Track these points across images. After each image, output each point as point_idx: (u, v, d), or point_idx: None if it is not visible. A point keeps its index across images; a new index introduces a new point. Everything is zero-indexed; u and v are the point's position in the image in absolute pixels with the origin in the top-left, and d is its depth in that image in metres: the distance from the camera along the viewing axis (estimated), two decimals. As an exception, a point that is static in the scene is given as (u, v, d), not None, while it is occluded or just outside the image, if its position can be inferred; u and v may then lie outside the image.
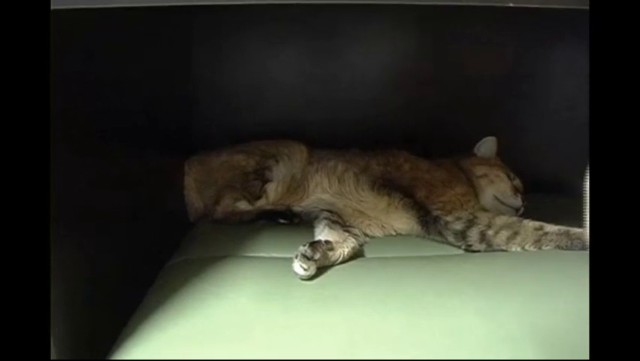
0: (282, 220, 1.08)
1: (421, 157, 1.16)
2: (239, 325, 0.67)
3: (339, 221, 1.01)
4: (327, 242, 0.85)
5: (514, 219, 0.96)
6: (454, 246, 0.97)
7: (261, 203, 1.12)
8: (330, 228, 0.96)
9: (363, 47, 1.31)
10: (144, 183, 0.91)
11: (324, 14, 1.25)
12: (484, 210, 1.04)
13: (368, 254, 0.94)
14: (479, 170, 1.16)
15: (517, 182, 1.16)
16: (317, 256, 0.79)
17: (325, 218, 1.01)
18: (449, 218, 0.98)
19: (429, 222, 1.02)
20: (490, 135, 1.22)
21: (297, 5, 1.09)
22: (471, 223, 0.96)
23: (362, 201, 1.08)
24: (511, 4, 0.56)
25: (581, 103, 1.26)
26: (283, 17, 1.26)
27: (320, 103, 1.33)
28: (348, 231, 0.97)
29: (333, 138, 1.27)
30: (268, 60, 1.31)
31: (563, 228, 0.90)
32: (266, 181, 1.13)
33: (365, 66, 1.32)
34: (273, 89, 1.32)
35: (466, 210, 1.00)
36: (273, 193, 1.13)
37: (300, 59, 1.32)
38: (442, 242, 1.00)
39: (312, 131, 1.30)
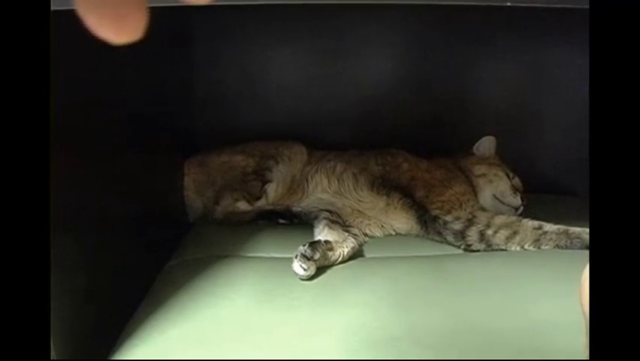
0: (281, 220, 1.08)
1: (420, 157, 1.16)
2: (239, 325, 0.67)
3: (338, 221, 1.01)
4: (326, 242, 0.85)
5: (514, 218, 0.96)
6: (454, 245, 0.97)
7: (261, 203, 1.11)
8: (330, 228, 0.96)
9: (364, 48, 1.31)
10: (144, 183, 0.91)
11: (325, 14, 1.25)
12: (484, 209, 1.04)
13: (367, 254, 0.94)
14: (478, 169, 1.16)
15: (516, 181, 1.16)
16: (317, 256, 0.79)
17: (325, 218, 1.01)
18: (448, 218, 0.98)
19: (428, 222, 1.02)
20: (489, 135, 1.22)
21: (298, 5, 1.09)
22: (470, 223, 0.96)
23: (361, 201, 1.08)
24: (509, 4, 0.56)
25: (581, 102, 1.26)
26: (284, 18, 1.25)
27: (320, 104, 1.33)
28: (347, 231, 0.97)
29: (334, 139, 1.27)
30: (269, 60, 1.31)
31: (562, 227, 0.90)
32: (266, 182, 1.13)
33: (366, 66, 1.32)
34: (273, 90, 1.32)
35: (465, 209, 1.00)
36: (272, 193, 1.13)
37: (300, 59, 1.32)
38: (442, 242, 1.00)
39: (312, 131, 1.30)
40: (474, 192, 1.11)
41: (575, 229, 0.89)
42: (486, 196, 1.12)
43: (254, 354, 0.61)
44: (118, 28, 0.19)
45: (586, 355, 0.31)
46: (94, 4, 0.19)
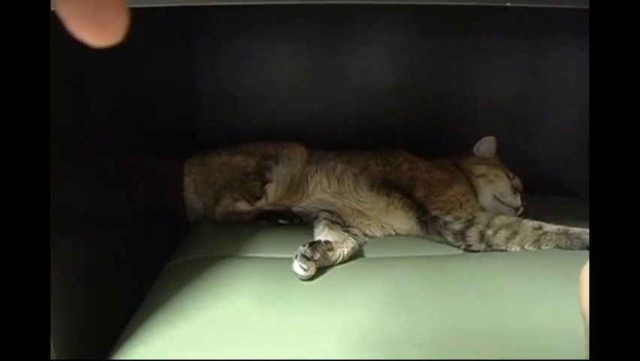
0: (281, 221, 1.08)
1: (421, 157, 1.16)
2: (239, 325, 0.67)
3: (338, 221, 1.01)
4: (326, 242, 0.85)
5: (514, 218, 0.96)
6: (454, 246, 0.97)
7: (261, 203, 1.12)
8: (330, 228, 0.96)
9: (364, 48, 1.31)
10: (144, 183, 0.91)
11: (325, 14, 1.25)
12: (484, 209, 1.04)
13: (367, 254, 0.94)
14: (478, 170, 1.16)
15: (516, 181, 1.16)
16: (317, 256, 0.79)
17: (325, 218, 1.01)
18: (448, 218, 0.98)
19: (428, 222, 1.02)
20: (489, 135, 1.22)
21: (298, 6, 1.09)
22: (470, 223, 0.96)
23: (361, 201, 1.08)
24: (509, 4, 0.56)
25: (581, 103, 1.26)
26: (284, 18, 1.26)
27: (320, 103, 1.33)
28: (347, 231, 0.97)
29: (334, 139, 1.27)
30: (268, 61, 1.31)
31: (562, 227, 0.90)
32: (266, 182, 1.13)
33: (366, 66, 1.32)
34: (273, 90, 1.32)
35: (465, 210, 1.00)
36: (272, 194, 1.13)
37: (300, 60, 1.32)
38: (442, 242, 1.00)
39: (312, 131, 1.30)
40: (474, 192, 1.11)
41: (575, 230, 0.89)
42: (486, 196, 1.12)
43: (254, 354, 0.61)
44: (98, 31, 0.19)
45: (586, 355, 0.31)
46: (74, 9, 0.19)
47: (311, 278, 0.78)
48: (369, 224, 1.04)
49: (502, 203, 1.11)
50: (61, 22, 0.19)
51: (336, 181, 1.11)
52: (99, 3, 0.19)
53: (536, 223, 0.93)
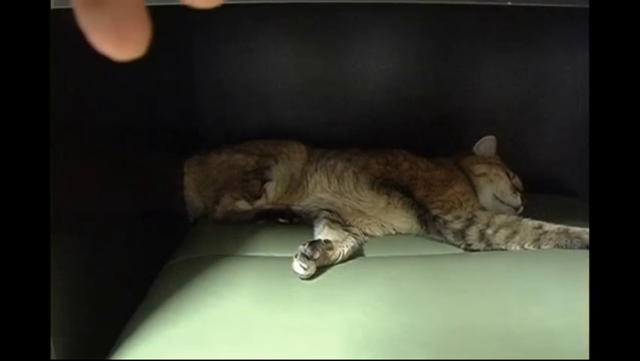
0: (281, 220, 1.08)
1: (421, 156, 1.16)
2: (239, 324, 0.67)
3: (338, 220, 1.01)
4: (326, 241, 0.85)
5: (514, 218, 0.96)
6: (454, 245, 0.97)
7: (261, 202, 1.12)
8: (330, 227, 0.96)
9: (364, 47, 1.31)
10: (144, 182, 0.91)
11: (325, 14, 1.25)
12: (484, 209, 1.04)
13: (367, 253, 0.94)
14: (478, 169, 1.16)
15: (516, 181, 1.16)
16: (317, 255, 0.79)
17: (325, 217, 1.01)
18: (448, 217, 0.98)
19: (428, 221, 1.02)
20: (489, 135, 1.22)
21: (298, 5, 1.09)
22: (470, 222, 0.96)
23: (361, 200, 1.08)
24: (509, 3, 0.56)
25: (580, 102, 1.26)
26: (284, 17, 1.26)
27: (320, 103, 1.33)
28: (347, 230, 0.97)
29: (333, 138, 1.27)
30: (268, 60, 1.31)
31: (562, 227, 0.90)
32: (265, 181, 1.13)
33: (366, 66, 1.32)
34: (272, 89, 1.32)
35: (466, 209, 1.00)
36: (272, 193, 1.13)
37: (300, 59, 1.32)
38: (442, 241, 1.00)
39: (312, 131, 1.30)
40: (474, 191, 1.11)
41: (575, 229, 0.89)
42: (486, 196, 1.12)
43: (253, 354, 0.61)
44: (120, 43, 0.19)
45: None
46: (96, 22, 0.19)
47: (311, 277, 0.78)
48: (369, 223, 1.04)
49: (502, 202, 1.11)
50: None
51: (336, 180, 1.11)
52: (121, 12, 0.19)
53: (536, 222, 0.92)
